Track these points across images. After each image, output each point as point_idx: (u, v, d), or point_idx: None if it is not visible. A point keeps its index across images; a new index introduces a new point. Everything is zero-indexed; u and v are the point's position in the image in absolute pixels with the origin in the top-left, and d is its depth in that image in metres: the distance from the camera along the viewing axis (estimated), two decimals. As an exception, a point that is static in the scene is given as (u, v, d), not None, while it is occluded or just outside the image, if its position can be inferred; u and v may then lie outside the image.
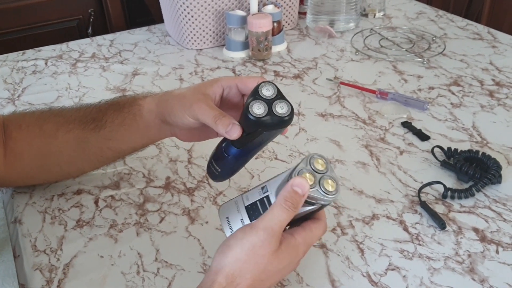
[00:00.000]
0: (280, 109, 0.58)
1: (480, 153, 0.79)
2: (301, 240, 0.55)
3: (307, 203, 0.56)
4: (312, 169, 0.57)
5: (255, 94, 0.59)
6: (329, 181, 0.56)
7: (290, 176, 0.56)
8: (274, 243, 0.53)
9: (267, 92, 0.59)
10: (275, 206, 0.54)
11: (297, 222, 0.57)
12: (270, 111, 0.58)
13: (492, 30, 1.27)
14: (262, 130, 0.60)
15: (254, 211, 0.58)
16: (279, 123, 0.59)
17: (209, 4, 1.19)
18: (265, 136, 0.61)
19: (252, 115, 0.58)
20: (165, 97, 0.68)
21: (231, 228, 0.58)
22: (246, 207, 0.58)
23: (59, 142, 0.71)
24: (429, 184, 0.76)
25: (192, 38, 1.23)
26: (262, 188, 0.60)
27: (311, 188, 0.55)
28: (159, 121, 0.69)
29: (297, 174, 0.56)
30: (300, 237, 0.56)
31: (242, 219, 0.58)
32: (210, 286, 0.51)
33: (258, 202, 0.59)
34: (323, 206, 0.57)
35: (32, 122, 0.72)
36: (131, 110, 0.70)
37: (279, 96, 0.59)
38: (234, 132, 0.59)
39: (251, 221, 0.57)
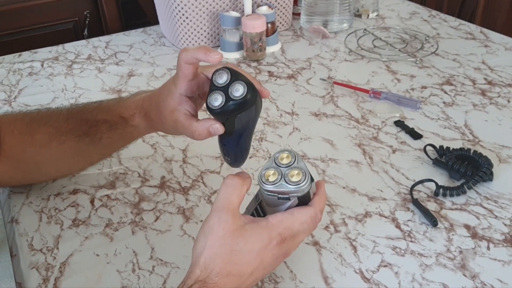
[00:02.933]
0: (236, 92, 0.58)
1: (472, 151, 0.80)
2: (275, 221, 0.55)
3: (282, 198, 0.57)
4: (277, 165, 0.57)
5: (211, 85, 0.60)
6: (294, 171, 0.56)
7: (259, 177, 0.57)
8: (231, 221, 0.53)
9: (221, 79, 0.59)
10: (220, 188, 0.56)
11: None
12: (227, 98, 0.58)
13: (484, 29, 1.29)
14: (231, 116, 0.60)
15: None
16: (242, 105, 0.59)
17: (203, 6, 1.19)
18: (245, 117, 0.60)
19: (211, 108, 0.59)
20: (149, 110, 0.71)
21: None
22: None
23: (54, 151, 0.73)
24: (421, 182, 0.77)
25: (187, 39, 1.24)
26: (256, 196, 0.62)
27: (275, 183, 0.56)
28: (151, 130, 0.74)
29: (261, 174, 0.57)
30: (274, 219, 0.56)
31: None
32: (187, 277, 0.52)
33: (254, 211, 0.61)
34: (300, 198, 0.57)
35: (23, 130, 0.73)
36: (126, 129, 0.73)
37: (234, 78, 0.59)
38: (217, 131, 0.62)
39: None
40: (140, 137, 0.78)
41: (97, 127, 0.72)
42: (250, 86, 0.58)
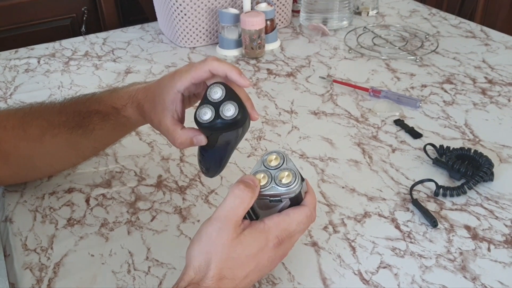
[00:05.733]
0: (227, 111, 0.58)
1: (472, 151, 0.79)
2: (272, 224, 0.55)
3: (274, 201, 0.56)
4: (266, 167, 0.57)
5: (204, 98, 0.60)
6: (284, 173, 0.56)
7: None
8: (231, 231, 0.53)
9: (215, 94, 0.59)
10: (227, 195, 0.54)
11: None
12: (217, 115, 0.59)
13: (485, 28, 1.28)
14: (216, 133, 0.60)
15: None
16: (230, 125, 0.59)
17: (202, 2, 1.18)
18: (229, 136, 0.61)
19: (199, 121, 0.59)
20: (142, 102, 0.70)
21: None
22: None
23: (47, 145, 0.72)
24: (421, 182, 0.76)
25: (185, 36, 1.23)
26: None
27: (266, 187, 0.55)
28: (143, 122, 0.73)
29: None
30: (271, 221, 0.55)
31: None
32: (181, 278, 0.52)
33: (246, 215, 0.60)
34: (292, 198, 0.56)
35: (16, 124, 0.72)
36: (118, 120, 0.72)
37: (228, 97, 0.59)
38: (200, 142, 0.64)
39: None
40: (133, 129, 0.78)
41: (90, 118, 0.71)
42: (242, 109, 0.58)
